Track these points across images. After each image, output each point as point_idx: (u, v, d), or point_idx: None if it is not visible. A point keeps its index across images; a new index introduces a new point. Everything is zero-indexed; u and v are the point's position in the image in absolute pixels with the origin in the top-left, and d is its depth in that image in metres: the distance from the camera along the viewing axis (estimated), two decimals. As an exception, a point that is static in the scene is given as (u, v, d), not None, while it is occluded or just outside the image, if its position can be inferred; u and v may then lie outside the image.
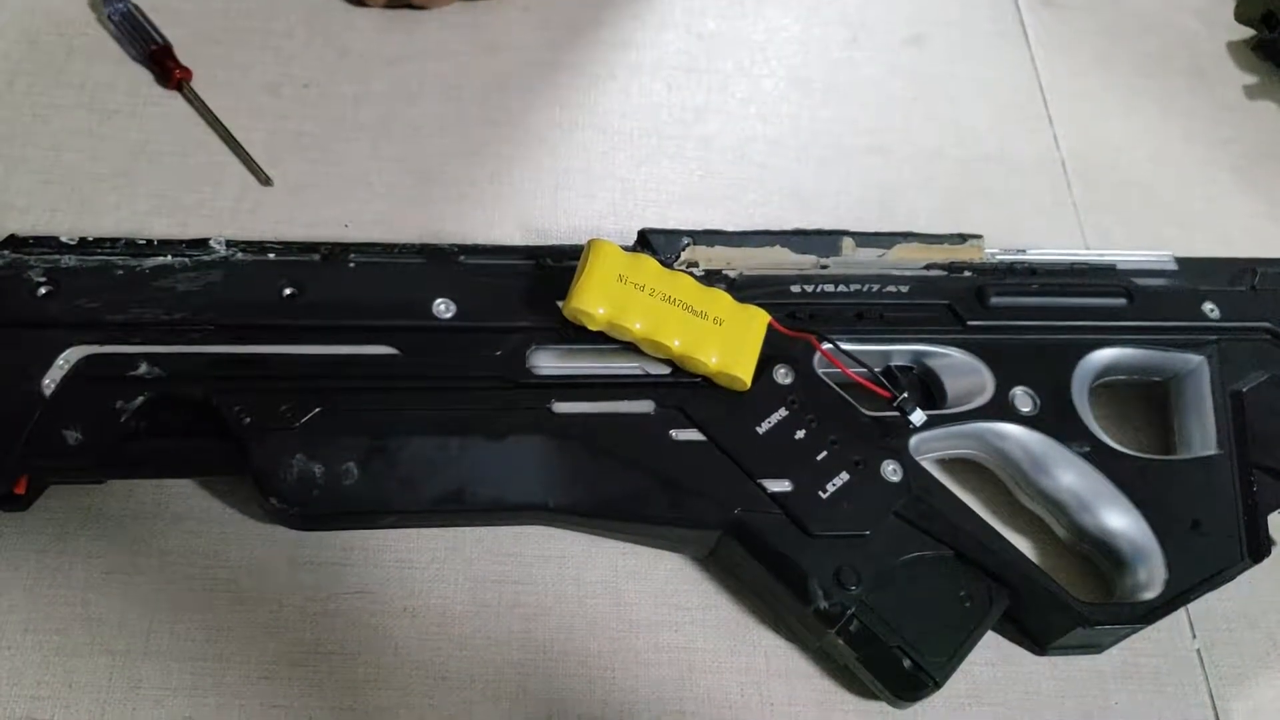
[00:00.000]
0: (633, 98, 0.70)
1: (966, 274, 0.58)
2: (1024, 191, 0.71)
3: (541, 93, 0.69)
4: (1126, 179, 0.73)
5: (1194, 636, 0.56)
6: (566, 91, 0.69)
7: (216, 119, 0.62)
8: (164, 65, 0.63)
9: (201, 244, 0.51)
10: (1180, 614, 0.55)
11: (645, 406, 0.51)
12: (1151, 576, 0.52)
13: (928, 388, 0.56)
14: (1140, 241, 0.70)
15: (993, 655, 0.53)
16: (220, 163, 0.62)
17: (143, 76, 0.64)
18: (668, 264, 0.54)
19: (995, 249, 0.60)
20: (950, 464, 0.57)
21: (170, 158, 0.61)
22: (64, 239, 0.50)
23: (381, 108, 0.66)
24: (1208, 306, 0.59)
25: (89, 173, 0.60)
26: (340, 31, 0.68)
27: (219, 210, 0.60)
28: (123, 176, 0.60)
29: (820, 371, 0.53)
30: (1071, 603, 0.50)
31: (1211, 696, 0.54)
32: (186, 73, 0.63)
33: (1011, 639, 0.54)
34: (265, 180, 0.61)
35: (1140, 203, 0.72)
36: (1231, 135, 0.77)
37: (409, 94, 0.67)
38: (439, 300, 0.51)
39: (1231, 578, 0.53)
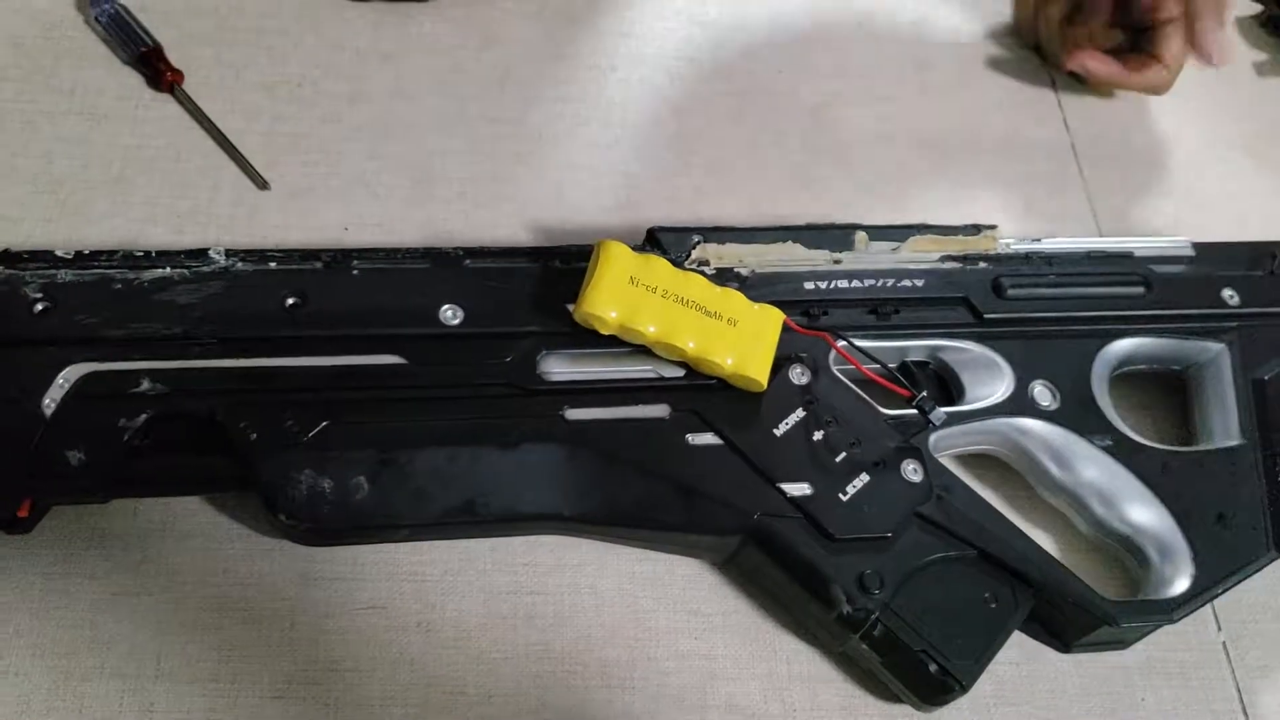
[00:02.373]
0: (634, 89, 0.69)
1: (982, 265, 0.57)
2: (1034, 176, 0.70)
3: (541, 86, 0.68)
4: (1137, 161, 0.72)
5: (1219, 629, 0.55)
6: (566, 85, 0.68)
7: (210, 122, 0.61)
8: (155, 68, 0.61)
9: (201, 254, 0.50)
10: (1205, 607, 0.54)
11: (660, 411, 0.50)
12: (1177, 571, 0.52)
13: (945, 383, 0.55)
14: (1153, 224, 0.69)
15: (1016, 654, 0.52)
16: (215, 167, 0.60)
17: (133, 80, 0.62)
18: (678, 263, 0.53)
19: (1010, 238, 0.58)
20: (967, 459, 0.56)
21: (164, 163, 0.60)
22: (59, 253, 0.49)
23: (378, 106, 0.64)
24: (1227, 293, 0.58)
25: (81, 180, 0.58)
26: (333, 28, 0.66)
27: (216, 215, 0.59)
28: (116, 183, 0.59)
29: (836, 370, 0.52)
30: (1098, 601, 0.50)
31: (1238, 689, 0.54)
32: (178, 75, 0.62)
33: (1035, 637, 0.53)
34: (262, 184, 0.60)
35: (1152, 185, 0.71)
36: (1243, 114, 0.76)
37: (405, 91, 0.65)
38: (446, 306, 0.50)
39: (1258, 570, 0.52)
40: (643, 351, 0.51)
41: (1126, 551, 0.53)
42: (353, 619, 0.49)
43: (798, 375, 0.51)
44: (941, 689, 0.48)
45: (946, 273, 0.56)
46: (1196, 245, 0.60)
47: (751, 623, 0.52)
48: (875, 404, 0.52)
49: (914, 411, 0.51)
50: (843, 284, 0.55)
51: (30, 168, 0.58)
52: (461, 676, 0.48)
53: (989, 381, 0.54)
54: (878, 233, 0.57)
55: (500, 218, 0.62)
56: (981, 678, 0.48)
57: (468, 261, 0.52)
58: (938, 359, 0.55)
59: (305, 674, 0.47)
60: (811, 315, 0.54)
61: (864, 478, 0.50)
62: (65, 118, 0.60)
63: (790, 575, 0.48)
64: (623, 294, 0.49)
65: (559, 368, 0.50)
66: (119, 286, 0.48)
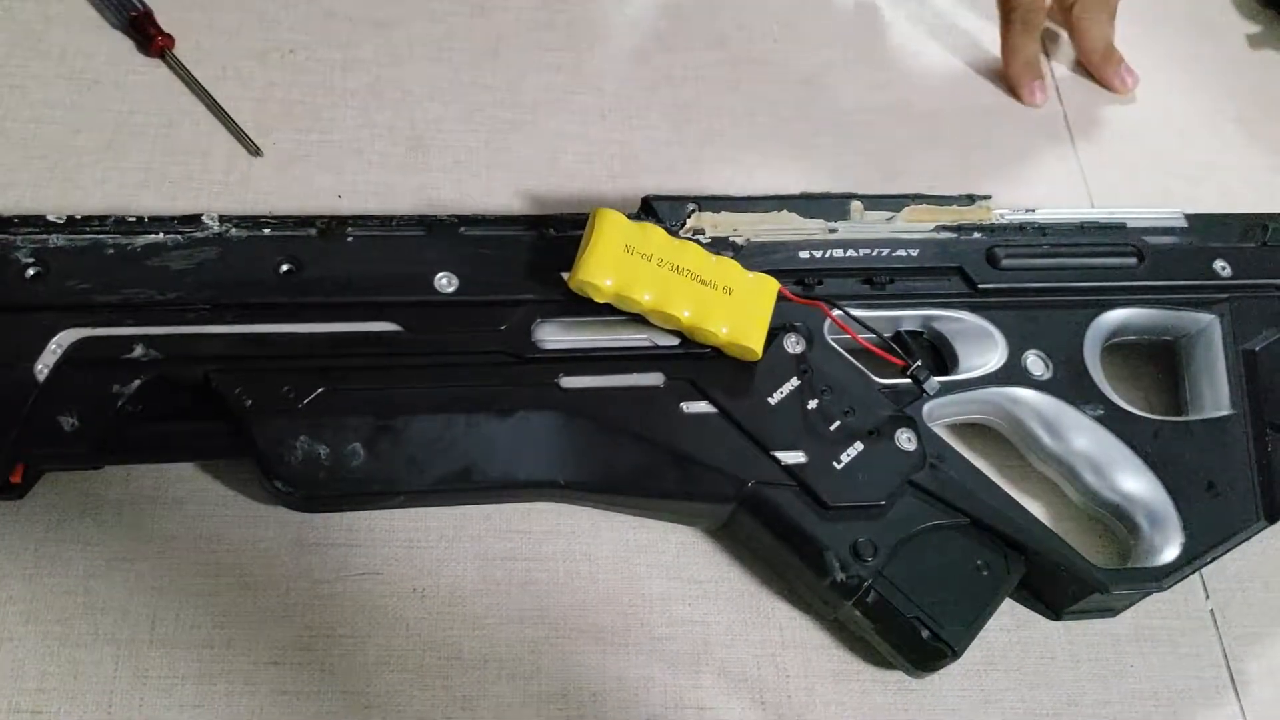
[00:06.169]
0: (628, 56, 0.68)
1: (976, 235, 0.57)
2: (1027, 146, 0.70)
3: (534, 53, 0.67)
4: (1130, 132, 0.72)
5: (1207, 597, 0.56)
6: (559, 52, 0.67)
7: (202, 88, 0.60)
8: (145, 32, 0.61)
9: (194, 220, 0.49)
10: (1194, 575, 0.54)
11: (655, 379, 0.50)
12: (1167, 540, 0.52)
13: (938, 352, 0.56)
14: (1144, 196, 0.69)
15: (1007, 621, 0.53)
16: (207, 133, 0.60)
17: (123, 44, 0.61)
18: (673, 232, 0.53)
19: (1004, 209, 0.58)
20: (960, 428, 0.56)
21: (155, 129, 0.59)
22: (51, 217, 0.48)
23: (371, 73, 0.64)
24: (1219, 264, 0.58)
25: (72, 146, 0.58)
26: (326, -7, 0.66)
27: (208, 182, 0.58)
28: (107, 150, 0.58)
29: (831, 339, 0.52)
30: (1088, 569, 0.50)
31: (1226, 657, 0.54)
32: (169, 40, 0.61)
33: (1026, 605, 0.53)
34: (254, 150, 0.60)
35: (1144, 157, 0.71)
36: (1235, 86, 0.76)
37: (398, 58, 0.65)
38: (441, 274, 0.50)
39: (1247, 539, 0.53)
40: (638, 320, 0.51)
41: (1117, 520, 0.54)
42: (348, 585, 0.49)
43: (792, 344, 0.52)
44: (934, 655, 0.48)
45: (941, 242, 0.56)
46: (1189, 217, 0.60)
47: (745, 589, 0.52)
48: (869, 373, 0.52)
49: (908, 381, 0.51)
50: (838, 253, 0.55)
51: (20, 132, 0.58)
52: (457, 642, 0.49)
53: (982, 351, 0.54)
54: (873, 202, 0.56)
55: (494, 185, 0.62)
56: (973, 644, 0.49)
57: (463, 229, 0.52)
58: (932, 328, 0.56)
59: (300, 640, 0.48)
60: (806, 284, 0.54)
61: (858, 446, 0.50)
62: (54, 83, 0.60)
63: (784, 543, 0.49)
64: (618, 262, 0.49)
65: (554, 336, 0.50)
66: (111, 251, 0.48)
